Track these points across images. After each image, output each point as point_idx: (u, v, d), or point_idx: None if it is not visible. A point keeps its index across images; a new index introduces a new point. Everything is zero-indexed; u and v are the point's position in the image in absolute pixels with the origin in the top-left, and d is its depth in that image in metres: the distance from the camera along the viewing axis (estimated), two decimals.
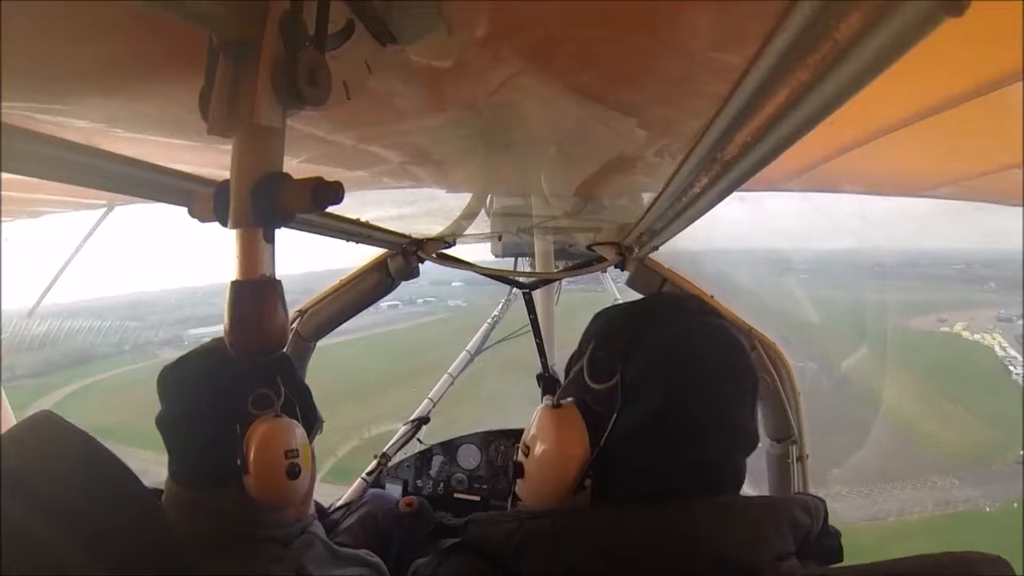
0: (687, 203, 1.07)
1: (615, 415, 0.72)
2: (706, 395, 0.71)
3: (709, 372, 0.73)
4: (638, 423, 0.71)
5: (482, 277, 2.03)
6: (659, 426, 0.70)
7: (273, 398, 0.94)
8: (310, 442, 1.02)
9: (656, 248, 1.65)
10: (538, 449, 0.76)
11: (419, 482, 2.26)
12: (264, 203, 0.51)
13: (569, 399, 0.78)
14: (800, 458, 1.78)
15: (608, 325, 0.81)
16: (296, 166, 1.03)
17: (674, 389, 0.71)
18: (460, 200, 1.57)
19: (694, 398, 0.71)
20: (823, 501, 0.70)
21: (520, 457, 0.80)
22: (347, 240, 1.52)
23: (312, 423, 1.09)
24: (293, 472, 0.92)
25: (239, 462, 0.92)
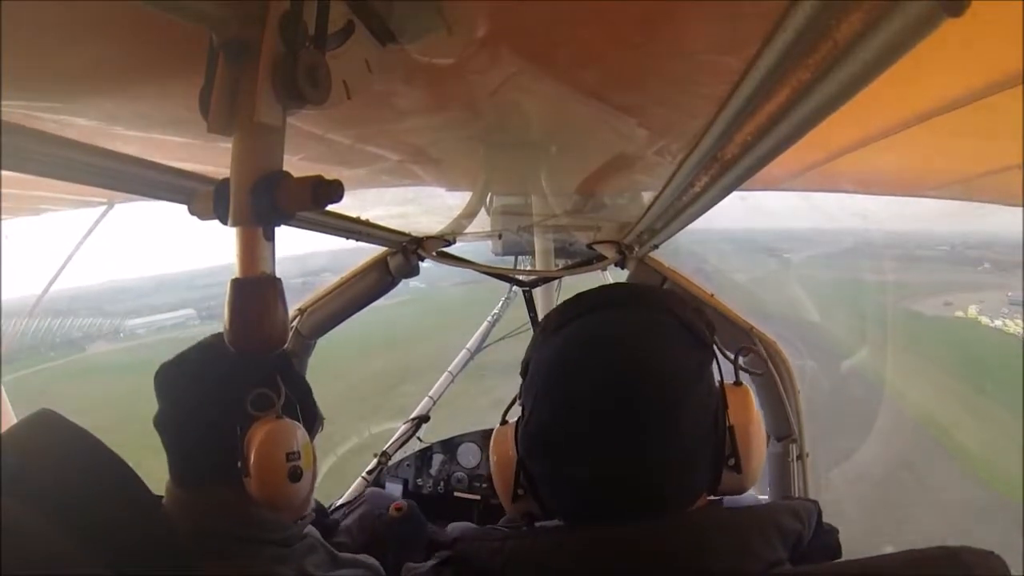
0: (687, 202, 1.07)
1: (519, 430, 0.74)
2: (589, 405, 0.64)
3: (595, 380, 0.65)
4: (526, 440, 0.71)
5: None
6: (542, 442, 0.69)
7: (274, 398, 0.93)
8: (311, 441, 1.02)
9: (656, 247, 1.65)
10: (490, 462, 0.84)
11: (419, 481, 2.26)
12: (264, 201, 0.51)
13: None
14: (800, 456, 1.78)
15: (534, 333, 0.79)
16: (296, 163, 1.03)
17: (549, 401, 0.68)
18: (460, 198, 1.57)
19: (573, 410, 0.65)
20: (815, 503, 0.67)
21: None
22: (347, 238, 1.52)
23: (313, 422, 1.08)
24: (295, 475, 0.92)
25: (239, 464, 0.91)
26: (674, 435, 0.64)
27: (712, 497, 0.70)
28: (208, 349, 1.01)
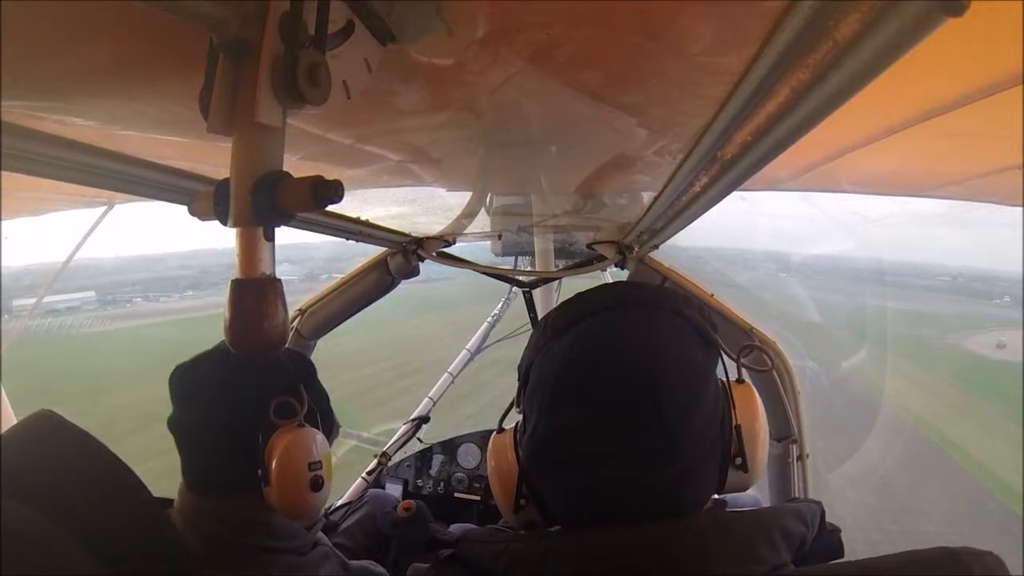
0: (687, 202, 1.07)
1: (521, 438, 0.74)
2: (609, 408, 0.63)
3: (616, 382, 0.63)
4: (532, 448, 0.70)
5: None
6: (554, 449, 0.68)
7: (296, 407, 0.91)
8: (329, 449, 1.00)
9: (656, 247, 1.65)
10: (488, 470, 0.83)
11: (419, 482, 2.26)
12: (264, 202, 0.51)
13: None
14: (800, 457, 1.78)
15: (532, 335, 0.76)
16: (296, 163, 1.03)
17: (562, 406, 0.66)
18: (460, 199, 1.57)
19: (591, 415, 0.64)
20: (819, 504, 0.67)
21: None
22: (347, 238, 1.52)
23: (331, 430, 1.06)
24: (316, 484, 0.91)
25: (260, 472, 0.90)
26: (694, 436, 0.64)
27: (716, 496, 0.70)
28: (229, 354, 0.99)
